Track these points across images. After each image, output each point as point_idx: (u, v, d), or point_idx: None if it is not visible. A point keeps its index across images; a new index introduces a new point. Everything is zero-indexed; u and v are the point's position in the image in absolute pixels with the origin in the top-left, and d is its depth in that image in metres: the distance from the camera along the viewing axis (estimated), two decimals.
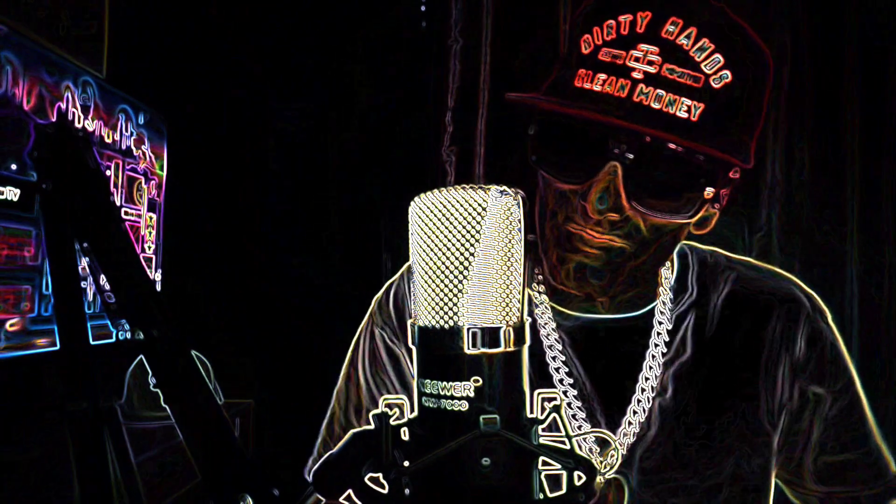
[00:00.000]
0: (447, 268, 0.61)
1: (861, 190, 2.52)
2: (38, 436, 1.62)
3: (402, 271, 1.15)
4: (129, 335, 0.91)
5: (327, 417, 1.12)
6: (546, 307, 0.94)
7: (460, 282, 0.60)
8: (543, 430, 0.63)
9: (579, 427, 0.88)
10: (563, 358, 0.91)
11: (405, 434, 0.63)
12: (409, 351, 0.99)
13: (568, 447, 0.62)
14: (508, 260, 0.61)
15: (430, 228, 0.62)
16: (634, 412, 0.89)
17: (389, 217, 2.72)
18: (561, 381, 0.90)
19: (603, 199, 0.77)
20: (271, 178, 2.90)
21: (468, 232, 0.61)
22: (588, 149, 0.78)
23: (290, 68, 2.88)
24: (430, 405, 0.61)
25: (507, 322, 0.61)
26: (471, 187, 0.62)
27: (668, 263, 0.95)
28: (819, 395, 0.93)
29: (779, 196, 2.56)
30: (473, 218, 0.61)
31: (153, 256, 2.57)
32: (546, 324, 0.93)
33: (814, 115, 2.56)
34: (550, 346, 0.92)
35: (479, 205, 0.61)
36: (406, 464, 0.61)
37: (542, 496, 0.62)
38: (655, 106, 0.74)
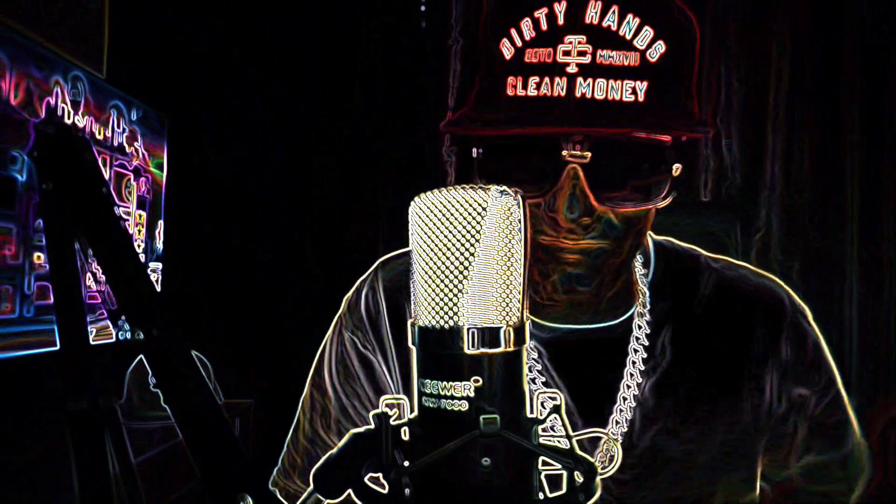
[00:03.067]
0: (447, 268, 0.61)
1: (861, 189, 2.52)
2: (38, 436, 1.61)
3: (373, 268, 1.06)
4: (129, 335, 0.91)
5: (292, 428, 1.05)
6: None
7: (460, 282, 0.60)
8: (543, 430, 0.63)
9: (558, 442, 0.82)
10: (540, 368, 0.86)
11: (405, 434, 0.63)
12: (385, 355, 0.97)
13: (568, 447, 0.62)
14: (508, 260, 0.61)
15: (430, 228, 0.62)
16: (616, 422, 0.85)
17: (389, 217, 2.72)
18: (539, 393, 0.84)
19: (572, 206, 0.73)
20: (271, 178, 2.90)
21: (468, 232, 0.61)
22: (541, 157, 0.73)
23: (290, 68, 2.88)
24: (430, 405, 0.61)
25: (508, 322, 0.61)
26: (471, 187, 0.62)
27: (642, 263, 0.91)
28: (804, 397, 0.90)
29: (779, 196, 2.56)
30: (473, 218, 0.61)
31: (143, 255, 2.54)
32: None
33: (814, 114, 2.56)
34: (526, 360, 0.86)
35: (480, 205, 0.61)
36: (406, 464, 0.61)
37: (542, 496, 0.62)
38: (599, 96, 0.69)
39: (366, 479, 0.62)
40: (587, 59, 0.69)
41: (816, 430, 0.91)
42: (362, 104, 2.86)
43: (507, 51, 0.73)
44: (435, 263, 0.61)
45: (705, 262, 0.93)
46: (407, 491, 0.60)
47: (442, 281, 0.61)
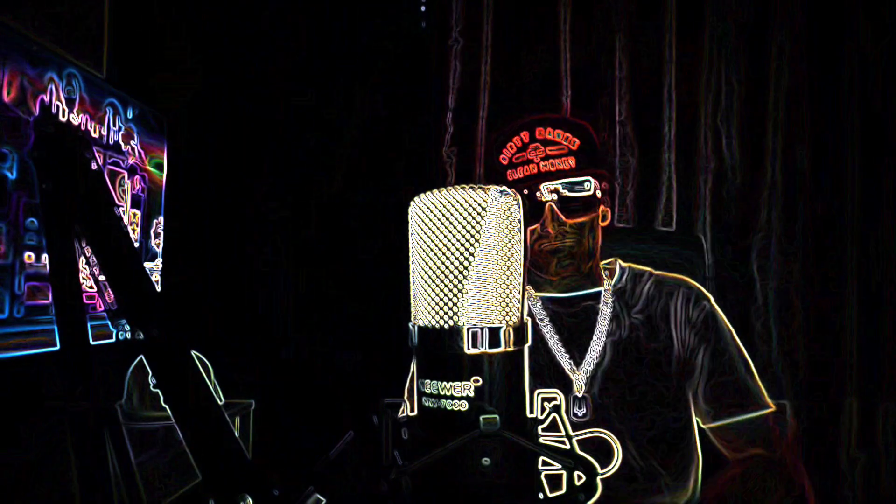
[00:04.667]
0: (447, 268, 0.61)
1: (861, 189, 2.52)
2: (38, 436, 1.61)
3: None
4: (129, 335, 0.91)
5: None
6: (532, 292, 1.50)
7: (460, 282, 0.60)
8: (543, 429, 0.63)
9: (561, 357, 1.42)
10: (548, 317, 1.47)
11: (405, 434, 0.63)
12: None
13: (568, 447, 0.62)
14: (508, 260, 0.61)
15: (430, 228, 0.62)
16: (595, 345, 1.43)
17: (389, 217, 2.72)
18: (548, 331, 1.45)
19: (553, 223, 1.39)
20: (271, 178, 2.90)
21: (468, 232, 0.61)
22: (533, 202, 1.39)
23: (289, 68, 2.88)
24: (431, 405, 0.61)
25: (507, 322, 0.61)
26: (471, 187, 0.62)
27: (608, 273, 1.51)
28: (706, 344, 1.43)
29: (779, 196, 2.56)
30: (473, 218, 0.61)
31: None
32: (535, 303, 1.48)
33: (814, 115, 2.56)
34: (538, 313, 1.47)
35: (479, 205, 0.61)
36: (406, 464, 0.61)
37: (542, 496, 0.62)
38: (552, 169, 1.38)
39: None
40: (543, 153, 1.39)
41: (715, 363, 1.41)
42: (362, 104, 2.86)
43: (504, 159, 1.43)
44: (435, 263, 0.61)
45: (649, 273, 1.53)
46: (407, 491, 0.60)
47: (442, 281, 0.61)
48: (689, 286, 1.51)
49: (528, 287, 1.27)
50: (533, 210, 1.42)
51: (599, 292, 1.49)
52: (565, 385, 1.38)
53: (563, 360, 1.42)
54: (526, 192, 1.41)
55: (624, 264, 1.57)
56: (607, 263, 1.56)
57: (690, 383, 1.44)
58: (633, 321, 1.47)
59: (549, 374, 1.42)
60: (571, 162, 1.39)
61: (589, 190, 1.42)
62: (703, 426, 1.44)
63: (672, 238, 2.23)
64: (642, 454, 1.36)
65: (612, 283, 1.51)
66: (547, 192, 1.40)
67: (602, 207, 1.47)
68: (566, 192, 1.40)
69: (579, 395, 1.39)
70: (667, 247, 1.82)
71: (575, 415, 1.36)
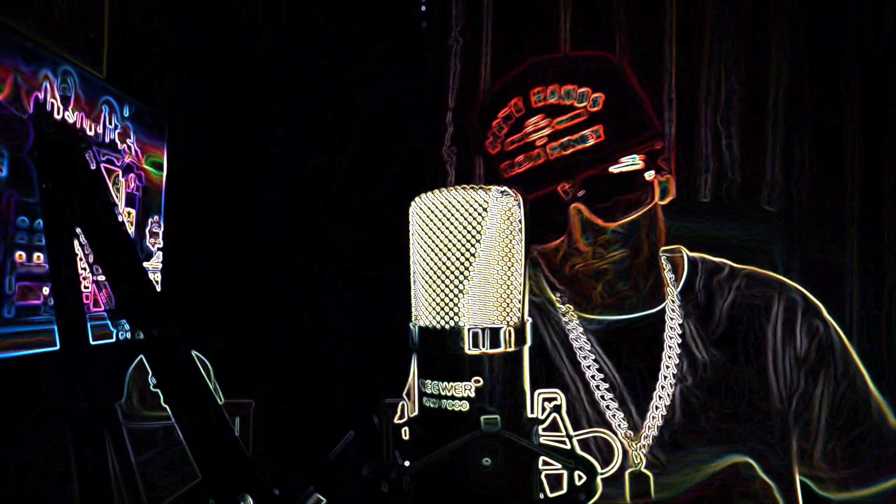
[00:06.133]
0: (447, 268, 0.61)
1: (861, 189, 2.52)
2: (38, 436, 1.61)
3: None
4: (129, 335, 0.91)
5: None
6: (572, 315, 1.08)
7: (461, 282, 0.60)
8: (544, 429, 0.63)
9: (612, 415, 1.01)
10: (594, 356, 1.04)
11: (406, 434, 0.63)
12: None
13: (568, 447, 0.62)
14: (509, 260, 0.61)
15: (430, 228, 0.62)
16: (660, 397, 1.00)
17: (389, 217, 2.71)
18: (593, 376, 1.03)
19: (586, 234, 0.93)
20: (271, 178, 2.90)
21: (468, 232, 0.61)
22: (550, 210, 0.93)
23: (289, 68, 2.88)
24: (431, 405, 0.61)
25: (508, 322, 0.61)
26: (471, 187, 0.62)
27: (670, 269, 1.09)
28: (823, 383, 1.02)
29: (779, 196, 2.56)
30: (474, 218, 0.61)
31: None
32: (573, 329, 1.06)
33: (813, 115, 2.56)
34: (580, 348, 1.05)
35: (480, 205, 0.61)
36: (406, 464, 0.61)
37: (542, 496, 0.62)
38: (568, 151, 0.90)
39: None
40: (549, 129, 0.91)
41: (838, 413, 1.02)
42: (362, 104, 2.86)
43: (493, 147, 0.96)
44: (435, 264, 0.61)
45: (731, 271, 1.08)
46: (408, 491, 0.60)
47: (442, 281, 0.61)
48: (791, 293, 1.07)
49: (568, 305, 1.06)
50: (552, 221, 0.94)
51: (663, 310, 1.04)
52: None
53: (615, 420, 1.00)
54: (533, 192, 0.90)
55: (692, 254, 1.10)
56: (668, 253, 1.10)
57: (802, 439, 1.02)
58: (713, 355, 1.01)
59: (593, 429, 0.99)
60: (599, 132, 0.90)
61: (636, 175, 0.93)
62: (825, 494, 1.03)
63: (734, 210, 1.74)
64: None
65: (680, 288, 1.06)
66: (568, 192, 0.92)
67: (657, 181, 0.97)
68: (599, 188, 0.92)
69: (638, 471, 0.96)
70: (729, 222, 1.27)
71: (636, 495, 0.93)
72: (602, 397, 1.01)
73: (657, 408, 1.00)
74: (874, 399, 1.02)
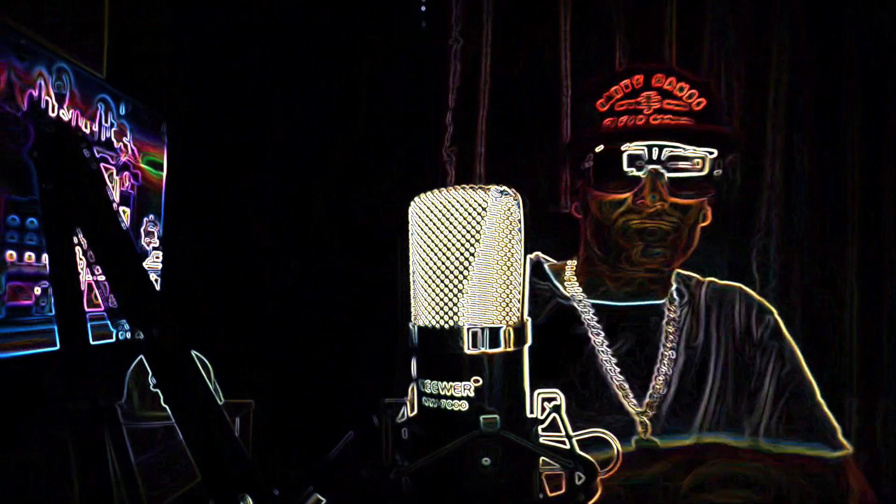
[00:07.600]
0: (447, 268, 0.61)
1: (861, 189, 2.52)
2: (38, 436, 1.61)
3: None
4: (129, 335, 0.91)
5: None
6: (585, 299, 1.27)
7: (460, 282, 0.60)
8: (543, 429, 0.63)
9: (619, 385, 1.21)
10: (603, 335, 1.24)
11: (405, 434, 0.63)
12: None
13: (568, 447, 0.62)
14: (508, 260, 0.61)
15: (430, 228, 0.62)
16: (656, 376, 1.22)
17: (389, 217, 2.72)
18: (603, 351, 1.23)
19: (654, 195, 1.12)
20: (271, 179, 2.90)
21: (468, 232, 0.61)
22: (631, 166, 1.13)
23: (289, 69, 2.88)
24: (431, 405, 0.61)
25: (508, 322, 0.61)
26: (471, 187, 0.62)
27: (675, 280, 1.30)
28: (772, 367, 1.24)
29: (778, 196, 2.56)
30: (474, 218, 0.61)
31: None
32: (585, 311, 1.26)
33: (814, 115, 2.56)
34: (597, 333, 1.25)
35: (480, 205, 0.61)
36: (406, 464, 0.61)
37: (542, 496, 0.62)
38: (669, 123, 1.12)
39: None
40: (658, 104, 1.12)
41: (782, 388, 1.23)
42: (362, 104, 2.86)
43: (602, 105, 1.16)
44: (435, 263, 0.61)
45: (698, 280, 1.33)
46: (407, 491, 0.60)
47: (442, 281, 0.61)
48: (748, 295, 1.30)
49: (578, 290, 1.26)
50: (629, 176, 1.11)
51: (663, 304, 1.27)
52: (623, 424, 1.19)
53: (623, 391, 1.20)
54: (603, 149, 1.12)
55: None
56: None
57: (753, 414, 1.22)
58: (698, 341, 1.25)
59: (602, 405, 1.20)
60: (693, 122, 1.13)
61: (703, 169, 1.13)
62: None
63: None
64: None
65: (674, 287, 1.30)
66: (651, 158, 1.11)
67: (711, 196, 1.18)
68: (677, 164, 1.12)
69: (645, 438, 1.17)
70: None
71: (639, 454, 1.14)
72: (610, 372, 1.22)
73: (659, 382, 1.21)
74: (810, 384, 1.23)
